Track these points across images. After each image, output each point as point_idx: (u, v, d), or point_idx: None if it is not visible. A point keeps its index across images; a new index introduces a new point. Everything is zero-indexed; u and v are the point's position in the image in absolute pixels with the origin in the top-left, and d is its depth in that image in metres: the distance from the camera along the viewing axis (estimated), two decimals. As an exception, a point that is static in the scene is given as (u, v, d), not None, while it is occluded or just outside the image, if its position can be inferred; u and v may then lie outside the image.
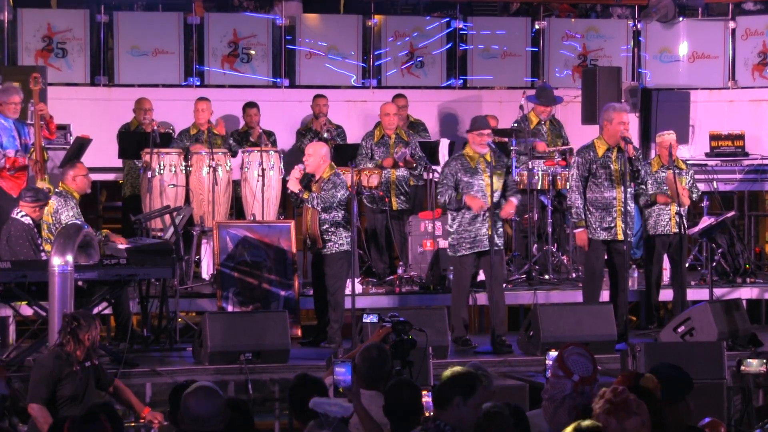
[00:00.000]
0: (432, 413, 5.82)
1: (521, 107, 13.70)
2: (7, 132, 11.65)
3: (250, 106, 14.00)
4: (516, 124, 13.49)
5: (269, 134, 13.74)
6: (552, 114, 13.71)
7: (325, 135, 13.70)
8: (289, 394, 6.37)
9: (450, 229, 11.24)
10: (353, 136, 14.06)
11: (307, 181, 11.26)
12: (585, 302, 11.38)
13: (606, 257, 11.46)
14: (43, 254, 10.53)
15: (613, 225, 11.22)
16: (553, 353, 6.83)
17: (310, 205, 11.20)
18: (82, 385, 8.24)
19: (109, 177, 14.19)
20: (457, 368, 5.87)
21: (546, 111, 13.59)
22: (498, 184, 11.08)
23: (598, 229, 11.25)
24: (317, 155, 11.28)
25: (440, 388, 5.71)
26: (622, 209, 11.17)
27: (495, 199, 11.05)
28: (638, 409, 5.22)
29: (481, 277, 11.74)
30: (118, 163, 13.66)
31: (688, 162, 12.98)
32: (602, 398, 5.31)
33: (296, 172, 11.28)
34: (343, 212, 11.29)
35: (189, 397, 5.53)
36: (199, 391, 5.55)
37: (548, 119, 13.60)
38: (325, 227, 11.21)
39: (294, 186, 11.24)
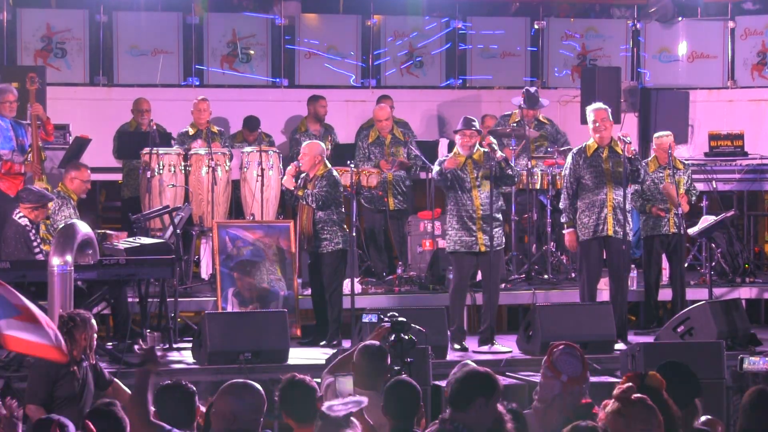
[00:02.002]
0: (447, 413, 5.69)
1: (520, 107, 13.68)
2: (3, 132, 11.64)
3: (251, 129, 13.79)
4: (500, 127, 13.50)
5: (266, 136, 13.73)
6: (536, 116, 13.71)
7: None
8: (279, 395, 6.38)
9: (449, 229, 11.21)
10: (352, 137, 14.06)
11: (302, 179, 11.29)
12: (582, 302, 11.37)
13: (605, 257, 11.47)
14: (40, 255, 10.53)
15: (604, 222, 11.21)
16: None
17: (304, 203, 11.24)
18: (80, 386, 8.21)
19: (108, 177, 14.16)
20: (471, 368, 5.78)
21: (529, 114, 13.58)
22: (487, 185, 11.03)
23: (590, 227, 11.23)
24: (312, 154, 11.30)
25: (460, 389, 5.52)
26: (614, 206, 11.16)
27: (485, 200, 11.01)
28: (651, 412, 5.21)
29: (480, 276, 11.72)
30: (118, 163, 13.65)
31: (686, 162, 12.97)
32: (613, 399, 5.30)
33: (291, 170, 11.33)
34: (338, 211, 11.31)
35: (225, 391, 5.56)
36: (236, 387, 5.60)
37: (533, 121, 13.59)
38: (320, 226, 11.23)
39: (289, 183, 11.31)
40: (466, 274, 11.24)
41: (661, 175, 12.16)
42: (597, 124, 11.26)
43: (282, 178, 11.75)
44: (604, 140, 11.26)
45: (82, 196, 11.60)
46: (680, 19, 15.67)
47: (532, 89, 13.86)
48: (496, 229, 11.08)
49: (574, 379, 5.69)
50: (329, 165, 11.46)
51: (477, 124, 11.29)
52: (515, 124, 13.48)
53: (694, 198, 12.38)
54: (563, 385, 5.68)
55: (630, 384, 5.28)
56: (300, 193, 11.24)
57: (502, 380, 9.45)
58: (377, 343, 7.48)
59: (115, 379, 8.74)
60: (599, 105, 11.53)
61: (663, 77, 15.64)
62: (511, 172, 11.08)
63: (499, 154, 11.02)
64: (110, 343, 10.76)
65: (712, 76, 15.61)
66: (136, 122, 13.62)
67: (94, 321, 8.38)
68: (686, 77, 15.64)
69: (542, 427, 5.74)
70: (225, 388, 5.71)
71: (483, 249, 10.98)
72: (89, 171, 11.66)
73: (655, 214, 12.05)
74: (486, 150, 11.03)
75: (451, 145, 13.73)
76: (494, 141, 11.21)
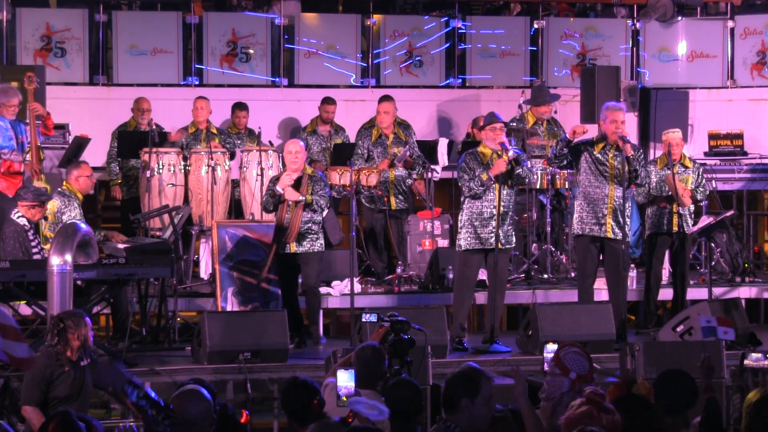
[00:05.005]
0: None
1: (520, 107, 13.68)
2: (2, 131, 11.65)
3: (240, 108, 13.92)
4: (513, 123, 13.47)
5: (254, 133, 13.73)
6: (552, 113, 13.68)
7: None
8: (282, 398, 6.38)
9: (460, 224, 11.15)
10: (352, 136, 14.05)
11: (287, 180, 11.09)
12: (580, 301, 11.36)
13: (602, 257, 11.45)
14: (38, 255, 10.53)
15: (603, 222, 11.19)
16: (551, 346, 6.86)
17: (314, 209, 11.02)
18: (77, 385, 8.20)
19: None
20: (458, 369, 5.83)
21: (547, 111, 13.53)
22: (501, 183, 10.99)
23: (588, 224, 11.22)
24: (303, 152, 11.18)
25: (446, 392, 5.65)
26: (614, 207, 11.14)
27: (505, 198, 10.96)
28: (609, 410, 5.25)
29: (482, 275, 11.71)
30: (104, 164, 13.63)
31: (696, 161, 12.90)
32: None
33: (287, 179, 11.06)
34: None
35: (178, 399, 5.59)
36: (187, 394, 5.61)
37: (547, 119, 13.57)
38: (308, 226, 11.09)
39: (294, 195, 11.07)
40: (473, 274, 11.15)
41: (668, 172, 12.12)
42: (617, 124, 11.18)
43: (275, 190, 11.24)
44: (614, 140, 11.23)
45: (90, 191, 11.62)
46: (680, 18, 15.68)
47: (543, 85, 13.88)
48: (509, 227, 11.05)
49: (583, 377, 5.72)
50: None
51: (499, 118, 11.20)
52: (513, 123, 13.46)
53: (699, 196, 12.28)
54: (572, 382, 5.71)
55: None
56: (309, 199, 11.06)
57: (500, 380, 9.52)
58: (375, 343, 7.48)
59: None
60: (622, 105, 11.54)
61: (662, 77, 15.64)
62: (521, 172, 10.99)
63: (511, 152, 10.97)
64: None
65: (711, 76, 15.61)
66: (135, 122, 13.62)
67: (88, 319, 8.35)
68: (686, 77, 15.64)
69: (549, 425, 5.75)
70: (177, 394, 5.73)
71: (499, 246, 10.90)
72: (89, 165, 11.66)
73: (662, 204, 12.02)
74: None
75: (450, 145, 13.75)
76: (505, 139, 11.18)
